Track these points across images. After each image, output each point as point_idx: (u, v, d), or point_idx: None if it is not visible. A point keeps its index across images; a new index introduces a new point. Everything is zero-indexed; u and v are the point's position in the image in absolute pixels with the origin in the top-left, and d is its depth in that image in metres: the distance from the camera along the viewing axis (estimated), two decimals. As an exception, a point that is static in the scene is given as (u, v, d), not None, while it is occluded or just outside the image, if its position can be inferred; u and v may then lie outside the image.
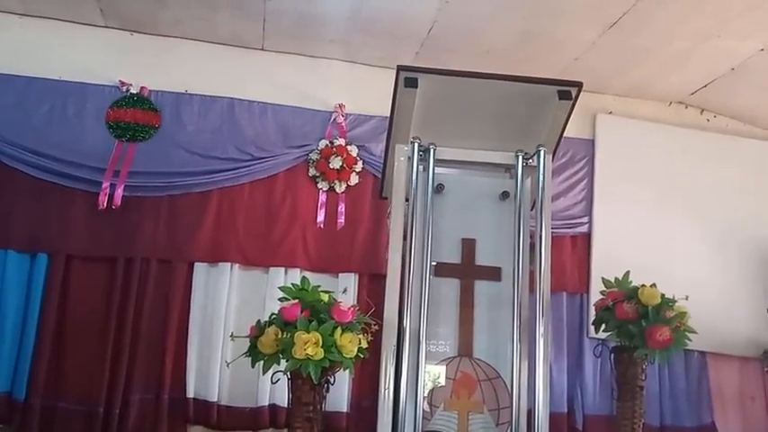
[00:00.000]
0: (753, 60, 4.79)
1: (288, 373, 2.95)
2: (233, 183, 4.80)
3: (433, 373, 2.52)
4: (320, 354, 2.82)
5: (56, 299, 4.40)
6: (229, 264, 4.70)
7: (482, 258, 2.66)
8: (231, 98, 4.92)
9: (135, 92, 4.78)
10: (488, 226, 2.70)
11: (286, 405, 3.55)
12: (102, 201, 4.51)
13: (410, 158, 2.61)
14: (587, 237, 5.27)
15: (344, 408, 4.62)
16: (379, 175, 3.72)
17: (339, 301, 3.05)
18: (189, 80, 4.90)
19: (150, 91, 4.82)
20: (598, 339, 3.89)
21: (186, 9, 4.61)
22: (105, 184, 4.53)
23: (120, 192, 4.55)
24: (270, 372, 2.98)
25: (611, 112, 5.51)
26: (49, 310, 4.37)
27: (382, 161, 3.29)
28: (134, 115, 4.73)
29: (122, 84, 4.78)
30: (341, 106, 5.04)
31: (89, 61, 4.80)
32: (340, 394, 4.54)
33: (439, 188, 2.68)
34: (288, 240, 4.80)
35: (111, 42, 4.87)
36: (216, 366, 4.50)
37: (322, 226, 4.88)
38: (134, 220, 4.59)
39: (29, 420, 4.20)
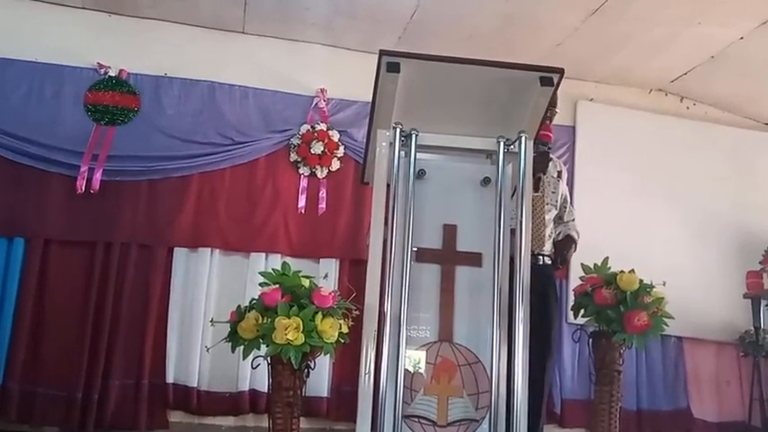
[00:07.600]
0: (732, 48, 4.82)
1: (268, 359, 2.94)
2: (213, 167, 4.77)
3: (414, 358, 2.52)
4: (301, 339, 2.82)
5: (33, 284, 4.36)
6: (210, 249, 4.69)
7: (463, 244, 2.66)
8: (212, 82, 4.88)
9: (114, 75, 4.72)
10: (469, 212, 2.69)
11: (266, 390, 3.55)
12: (81, 185, 4.46)
13: (392, 144, 2.60)
14: (567, 223, 5.29)
15: (325, 393, 4.64)
16: (361, 161, 3.71)
17: (320, 286, 3.05)
18: (169, 63, 4.85)
19: (129, 74, 4.76)
20: (577, 324, 3.91)
21: (166, -9, 4.56)
22: (84, 168, 4.49)
23: (98, 176, 4.50)
24: (250, 357, 2.98)
25: (591, 99, 5.53)
26: (27, 295, 4.33)
27: (364, 146, 3.28)
28: (113, 98, 4.68)
29: (101, 66, 4.72)
30: (322, 91, 5.01)
31: (67, 43, 4.73)
32: (321, 379, 4.57)
33: (420, 174, 2.67)
34: (269, 225, 4.78)
35: (90, 24, 4.80)
36: (196, 352, 4.50)
37: (303, 211, 4.87)
38: (113, 204, 4.55)
39: (6, 406, 4.17)
